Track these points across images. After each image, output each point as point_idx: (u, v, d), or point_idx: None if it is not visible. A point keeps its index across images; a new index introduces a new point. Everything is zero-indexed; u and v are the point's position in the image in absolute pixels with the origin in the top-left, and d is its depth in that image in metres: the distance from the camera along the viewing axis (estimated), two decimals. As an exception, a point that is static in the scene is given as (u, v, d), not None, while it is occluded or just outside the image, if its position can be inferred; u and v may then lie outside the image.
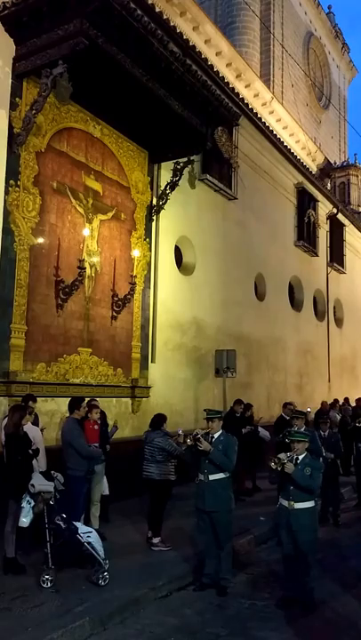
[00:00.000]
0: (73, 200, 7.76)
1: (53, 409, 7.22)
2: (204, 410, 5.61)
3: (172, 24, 9.43)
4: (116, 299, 8.42)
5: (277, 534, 5.26)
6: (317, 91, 28.90)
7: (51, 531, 4.91)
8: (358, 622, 4.54)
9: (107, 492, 6.64)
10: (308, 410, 9.24)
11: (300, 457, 4.90)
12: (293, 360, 14.74)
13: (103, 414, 6.79)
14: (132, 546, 6.05)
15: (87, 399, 6.80)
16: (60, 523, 4.91)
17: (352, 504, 8.91)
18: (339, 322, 18.51)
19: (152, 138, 8.90)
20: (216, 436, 5.28)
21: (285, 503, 4.87)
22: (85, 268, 7.72)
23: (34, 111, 6.76)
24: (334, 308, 18.21)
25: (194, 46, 10.25)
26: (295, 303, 15.48)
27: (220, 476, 5.18)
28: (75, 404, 6.21)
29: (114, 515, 7.04)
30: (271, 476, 5.05)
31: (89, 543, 4.88)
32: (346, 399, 14.21)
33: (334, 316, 18.18)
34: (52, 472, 5.30)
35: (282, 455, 4.89)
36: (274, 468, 4.81)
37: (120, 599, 4.62)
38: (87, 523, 5.94)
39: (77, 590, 4.72)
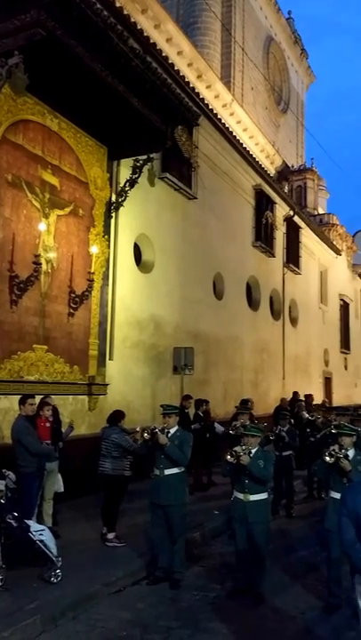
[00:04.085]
0: (29, 194, 7.62)
1: (6, 407, 7.07)
2: (161, 405, 5.65)
3: (132, 20, 9.42)
4: (73, 295, 8.32)
5: (231, 527, 5.37)
6: (276, 95, 29.47)
7: (1, 530, 4.82)
8: (306, 611, 4.69)
9: (62, 489, 6.56)
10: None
11: (253, 450, 5.02)
12: (250, 358, 15.00)
13: (56, 411, 6.70)
14: (86, 542, 6.02)
15: (41, 396, 6.71)
16: (12, 521, 4.84)
17: (302, 496, 9.18)
18: (294, 321, 18.99)
19: (111, 134, 8.84)
20: (172, 431, 5.33)
21: (241, 496, 4.98)
22: (41, 264, 7.60)
23: (-12, 101, 6.61)
24: (290, 307, 18.66)
25: (155, 44, 10.27)
26: (252, 302, 15.76)
27: (175, 470, 5.24)
28: (21, 400, 6.12)
29: (68, 512, 6.97)
30: (225, 469, 5.15)
31: (41, 541, 4.84)
32: (307, 396, 14.26)
33: (290, 315, 18.63)
34: (4, 470, 5.21)
35: (237, 448, 5.01)
36: (230, 460, 4.91)
37: (72, 596, 4.60)
38: (40, 521, 5.86)
39: (29, 588, 4.66)
